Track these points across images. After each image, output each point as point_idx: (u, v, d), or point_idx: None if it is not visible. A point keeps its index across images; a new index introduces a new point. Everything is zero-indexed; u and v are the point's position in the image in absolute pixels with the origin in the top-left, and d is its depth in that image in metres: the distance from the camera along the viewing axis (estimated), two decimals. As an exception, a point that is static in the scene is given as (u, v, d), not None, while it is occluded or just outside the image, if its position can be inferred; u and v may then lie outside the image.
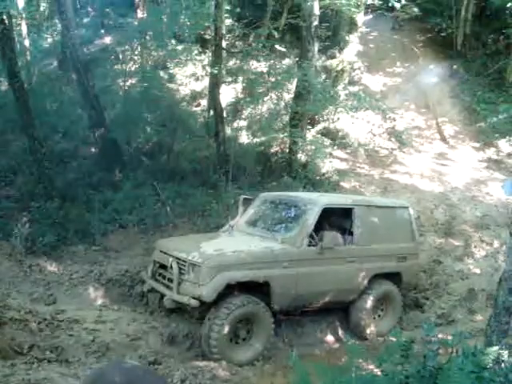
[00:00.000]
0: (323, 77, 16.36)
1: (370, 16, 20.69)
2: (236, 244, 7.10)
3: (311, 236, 7.17)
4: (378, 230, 7.96)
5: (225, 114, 13.76)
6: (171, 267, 6.76)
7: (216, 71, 12.74)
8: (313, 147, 13.29)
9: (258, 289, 6.72)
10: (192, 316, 7.03)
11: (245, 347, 6.59)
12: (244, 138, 14.46)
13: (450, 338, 3.74)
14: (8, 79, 11.92)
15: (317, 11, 13.35)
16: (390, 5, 17.15)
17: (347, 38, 17.82)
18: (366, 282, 7.74)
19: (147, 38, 16.67)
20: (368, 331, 7.73)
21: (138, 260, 9.18)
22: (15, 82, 11.38)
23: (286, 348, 7.24)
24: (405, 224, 8.46)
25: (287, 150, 13.41)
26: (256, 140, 13.90)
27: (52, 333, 6.42)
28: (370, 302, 7.81)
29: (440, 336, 3.97)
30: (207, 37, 17.48)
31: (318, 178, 13.01)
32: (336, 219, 8.25)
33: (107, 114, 13.59)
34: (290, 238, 7.13)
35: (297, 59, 15.14)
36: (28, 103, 11.29)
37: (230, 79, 16.04)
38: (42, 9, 22.36)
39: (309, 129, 14.51)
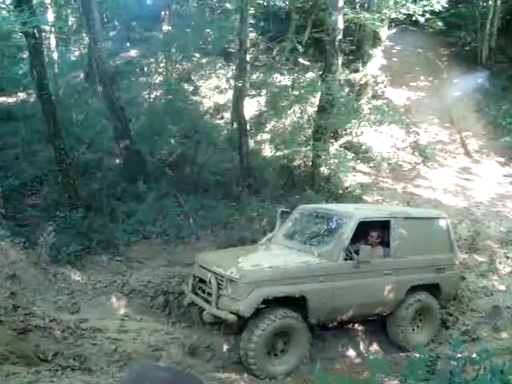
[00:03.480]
0: (346, 90, 16.37)
1: (394, 30, 20.68)
2: (273, 259, 7.19)
3: (347, 249, 7.19)
4: (415, 241, 7.88)
5: (248, 127, 13.84)
6: (210, 282, 6.86)
7: (240, 84, 12.84)
8: (336, 161, 13.26)
9: (295, 302, 6.78)
10: (230, 329, 7.11)
11: (282, 360, 6.70)
12: (267, 151, 14.51)
13: (474, 355, 3.67)
14: (37, 91, 12.15)
15: (341, 25, 13.38)
16: (414, 19, 17.12)
17: (371, 51, 17.87)
18: (403, 294, 7.70)
19: (172, 50, 16.92)
20: (406, 342, 7.75)
21: (160, 271, 9.22)
22: (43, 94, 11.60)
23: (307, 362, 7.20)
24: (442, 234, 8.35)
25: (310, 164, 13.41)
26: (279, 153, 13.91)
27: (75, 341, 6.47)
28: (407, 314, 7.80)
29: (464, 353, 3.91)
30: (231, 50, 17.66)
31: (340, 191, 12.96)
32: (373, 231, 8.08)
33: (132, 126, 13.75)
34: (326, 252, 7.16)
35: (320, 73, 15.18)
36: (55, 114, 11.49)
37: (253, 92, 16.15)
38: (70, 23, 22.78)
39: (332, 142, 14.49)
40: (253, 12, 16.25)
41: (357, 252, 7.19)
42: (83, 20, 14.32)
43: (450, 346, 4.39)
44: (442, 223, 8.41)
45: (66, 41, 21.56)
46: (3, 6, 19.98)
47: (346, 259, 7.14)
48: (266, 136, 14.77)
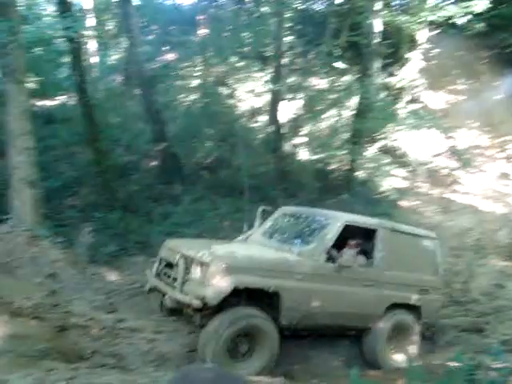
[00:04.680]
0: (383, 94, 16.20)
1: (433, 32, 20.35)
2: (249, 249, 6.85)
3: (330, 253, 6.80)
4: (400, 256, 7.39)
5: (284, 131, 13.83)
6: (177, 264, 6.35)
7: (278, 88, 12.85)
8: (372, 165, 13.16)
9: (267, 301, 6.27)
10: (192, 322, 6.51)
11: (244, 364, 6.04)
12: (303, 155, 14.47)
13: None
14: (77, 94, 12.40)
15: (378, 28, 13.28)
16: (453, 21, 16.82)
17: (408, 54, 17.63)
18: (383, 309, 7.19)
19: (208, 54, 17.06)
20: (382, 361, 7.20)
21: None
22: (83, 97, 11.86)
23: (341, 366, 7.12)
24: (430, 255, 7.85)
25: (346, 168, 13.32)
26: (315, 157, 13.86)
27: (112, 340, 6.54)
28: (386, 331, 7.25)
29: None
30: (268, 54, 17.67)
31: (376, 196, 12.84)
32: (357, 239, 7.57)
33: (168, 129, 13.89)
34: (307, 251, 6.64)
35: (357, 76, 15.08)
36: (94, 117, 11.72)
37: (290, 96, 16.13)
38: (109, 28, 23.16)
39: (368, 146, 14.37)
40: (289, 15, 16.20)
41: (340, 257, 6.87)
42: (122, 25, 14.53)
43: (489, 355, 4.25)
44: (430, 243, 7.92)
45: (105, 45, 21.91)
46: (46, 12, 20.56)
47: (327, 262, 6.70)
48: (302, 139, 14.71)
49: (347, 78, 17.49)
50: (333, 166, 13.91)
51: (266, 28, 15.61)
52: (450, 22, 17.30)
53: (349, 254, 6.95)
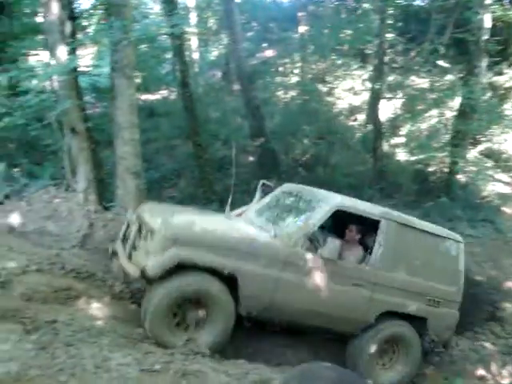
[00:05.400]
0: (489, 94, 15.49)
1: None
2: (217, 224, 5.81)
3: (315, 240, 5.88)
4: (407, 257, 6.28)
5: (383, 130, 13.59)
6: (131, 228, 5.86)
7: (378, 86, 12.63)
8: (474, 168, 12.63)
9: (231, 284, 5.42)
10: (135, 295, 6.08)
11: (189, 335, 5.31)
12: (401, 155, 14.15)
13: None
14: (179, 89, 12.83)
15: (487, 24, 12.69)
16: None
17: (519, 52, 16.74)
18: (373, 316, 6.11)
19: (308, 51, 17.05)
20: (369, 378, 6.08)
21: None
22: (185, 92, 12.24)
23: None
24: (449, 261, 6.61)
25: (446, 170, 12.87)
26: (414, 157, 13.51)
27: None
28: (373, 344, 6.19)
29: None
30: (368, 51, 17.42)
31: (478, 201, 12.33)
32: (355, 226, 6.60)
33: (266, 125, 14.05)
34: (285, 235, 5.71)
35: (461, 75, 14.51)
36: (195, 112, 12.07)
37: (389, 95, 15.81)
38: (210, 24, 23.74)
39: (471, 149, 13.81)
40: (392, 12, 15.84)
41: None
42: (224, 22, 14.83)
43: None
44: (453, 247, 6.64)
45: (205, 42, 22.50)
46: (150, 10, 21.42)
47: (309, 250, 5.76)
48: (401, 140, 14.39)
49: (450, 77, 16.89)
50: (432, 168, 13.48)
51: (367, 25, 15.34)
52: None
53: (333, 243, 5.64)
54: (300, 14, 19.49)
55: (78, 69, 9.42)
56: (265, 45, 21.28)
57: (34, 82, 10.69)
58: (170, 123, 15.08)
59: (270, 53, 20.68)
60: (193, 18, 19.65)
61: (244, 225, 6.16)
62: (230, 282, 5.39)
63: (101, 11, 15.28)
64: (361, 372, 6.00)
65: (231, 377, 4.82)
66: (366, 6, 18.32)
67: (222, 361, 5.73)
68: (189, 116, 12.48)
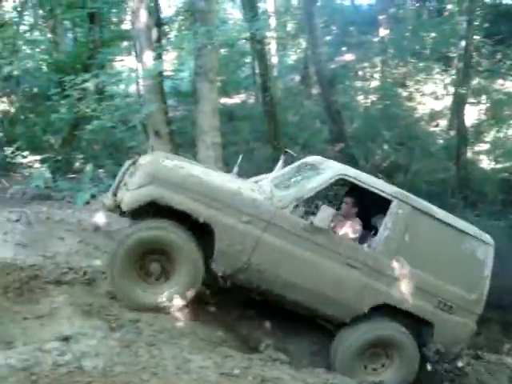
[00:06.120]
0: None
1: None
2: (207, 174, 5.37)
3: (308, 206, 5.45)
4: (419, 248, 5.46)
5: (467, 136, 13.14)
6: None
7: (464, 91, 12.21)
8: None
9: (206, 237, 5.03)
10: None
11: (155, 288, 5.01)
12: (486, 163, 13.62)
13: None
14: (260, 93, 12.93)
15: None
16: None
17: None
18: (366, 306, 5.36)
19: (388, 55, 16.77)
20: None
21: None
22: (266, 96, 12.31)
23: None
24: (472, 263, 5.69)
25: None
26: (499, 166, 12.97)
27: (284, 336, 6.68)
28: (361, 339, 5.42)
29: None
30: (451, 54, 16.89)
31: None
32: (354, 199, 5.95)
33: (345, 130, 13.90)
34: (278, 197, 5.22)
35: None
36: (276, 116, 12.12)
37: (473, 100, 15.27)
38: (288, 29, 23.81)
39: None
40: (479, 12, 15.26)
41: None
42: (303, 25, 14.81)
43: None
44: (480, 249, 5.69)
45: (284, 46, 22.59)
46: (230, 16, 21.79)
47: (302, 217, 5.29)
48: (485, 146, 13.85)
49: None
50: (520, 178, 12.88)
51: (452, 27, 14.87)
52: None
53: (325, 211, 5.06)
54: (381, 17, 19.20)
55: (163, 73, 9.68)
56: (344, 49, 21.11)
57: (121, 86, 11.14)
58: (249, 127, 15.21)
59: (349, 57, 20.49)
60: (272, 22, 19.76)
61: (240, 182, 5.65)
62: (208, 236, 5.00)
63: (182, 17, 15.76)
64: (339, 370, 5.32)
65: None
66: (450, 7, 17.81)
67: (301, 368, 5.70)
68: (269, 120, 12.56)
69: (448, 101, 16.20)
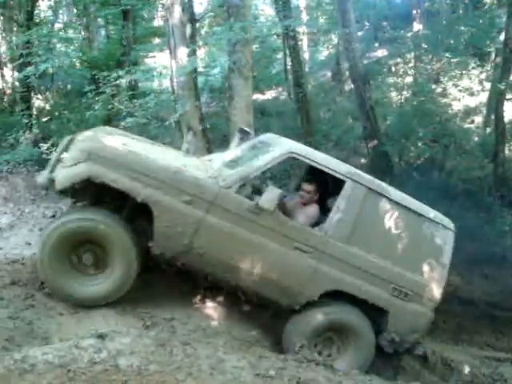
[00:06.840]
0: None
1: None
2: (148, 151, 5.10)
3: (257, 188, 5.20)
4: (374, 231, 5.25)
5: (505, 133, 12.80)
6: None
7: (503, 86, 11.88)
8: None
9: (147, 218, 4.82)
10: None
11: (89, 280, 4.77)
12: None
13: None
14: (293, 89, 12.86)
15: None
16: None
17: None
18: (317, 292, 5.14)
19: (422, 50, 16.49)
20: None
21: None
22: (299, 92, 12.23)
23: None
24: (432, 250, 5.44)
25: None
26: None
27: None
28: (313, 325, 5.21)
29: None
30: (488, 49, 16.52)
31: None
32: (311, 184, 5.63)
33: (379, 127, 13.71)
34: (223, 176, 4.96)
35: None
36: (309, 112, 12.04)
37: (510, 96, 14.88)
38: (320, 24, 23.65)
39: None
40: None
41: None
42: (338, 21, 14.62)
43: None
44: (439, 234, 5.47)
45: (315, 41, 22.44)
46: (262, 12, 21.73)
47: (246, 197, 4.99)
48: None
49: None
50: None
51: (490, 20, 14.53)
52: None
53: (272, 192, 4.81)
54: (414, 11, 18.89)
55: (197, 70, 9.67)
56: (376, 44, 20.85)
57: (155, 83, 11.22)
58: (281, 123, 15.13)
59: (381, 52, 20.23)
60: (304, 17, 19.65)
61: (187, 160, 5.45)
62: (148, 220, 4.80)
63: (212, 14, 15.76)
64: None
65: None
66: (488, 0, 17.39)
67: (337, 371, 5.61)
68: (302, 116, 12.48)
69: (484, 97, 15.84)
